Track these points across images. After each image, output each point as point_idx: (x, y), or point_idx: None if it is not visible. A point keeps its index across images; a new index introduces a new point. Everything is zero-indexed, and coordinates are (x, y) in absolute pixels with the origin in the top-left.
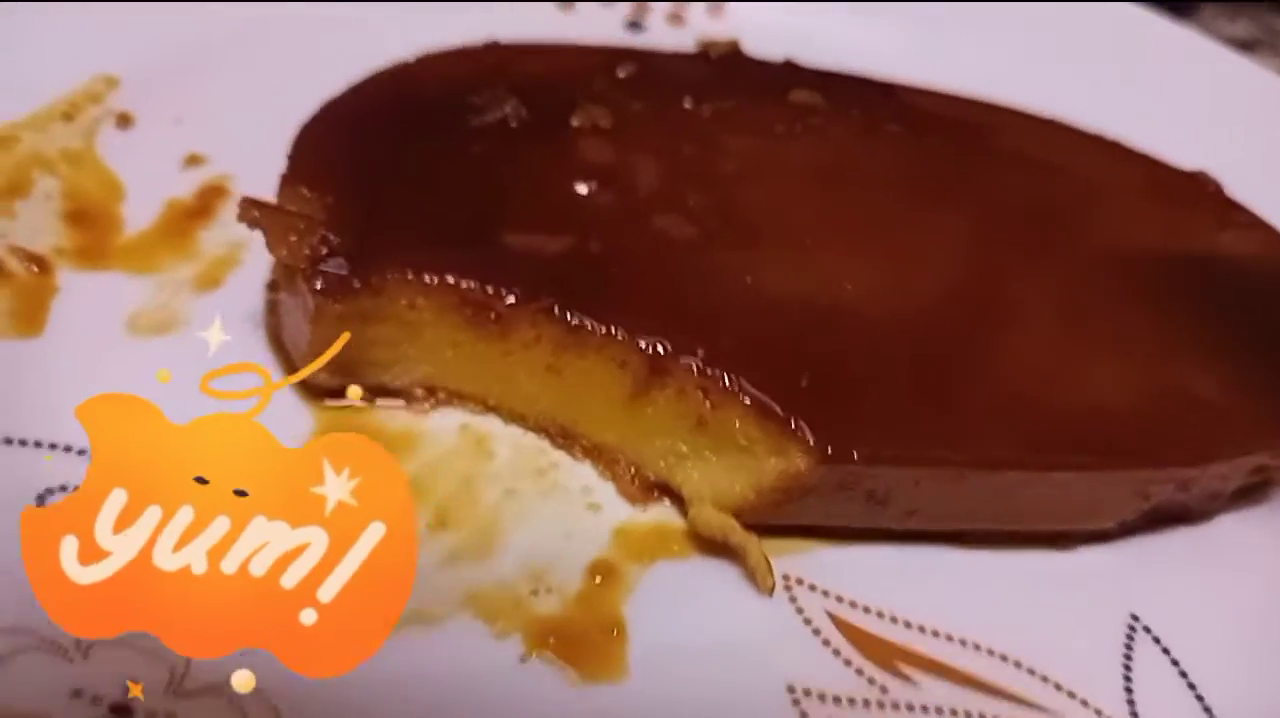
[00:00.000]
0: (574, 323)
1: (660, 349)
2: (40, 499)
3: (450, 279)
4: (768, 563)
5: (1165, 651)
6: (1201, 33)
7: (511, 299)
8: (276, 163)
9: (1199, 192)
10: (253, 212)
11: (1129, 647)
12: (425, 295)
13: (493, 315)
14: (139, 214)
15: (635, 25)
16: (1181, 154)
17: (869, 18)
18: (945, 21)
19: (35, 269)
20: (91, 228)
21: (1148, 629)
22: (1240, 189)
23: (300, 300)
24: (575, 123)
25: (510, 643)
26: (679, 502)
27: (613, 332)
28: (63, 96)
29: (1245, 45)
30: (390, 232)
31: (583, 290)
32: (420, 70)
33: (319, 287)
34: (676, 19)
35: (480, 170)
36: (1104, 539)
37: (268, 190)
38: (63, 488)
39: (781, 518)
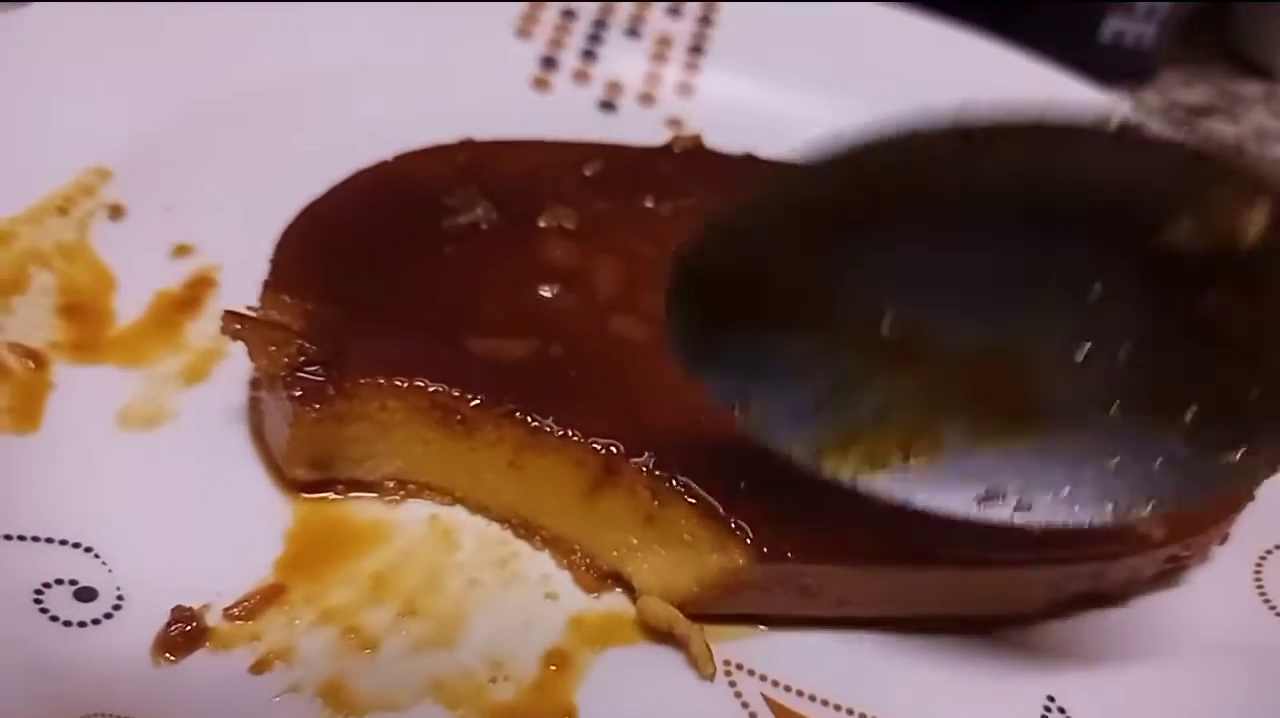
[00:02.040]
0: (534, 425)
1: (612, 451)
2: (38, 594)
3: (419, 384)
4: (708, 651)
5: None
6: (1160, 102)
7: (476, 403)
8: (264, 249)
9: None
10: (234, 325)
11: None
12: (397, 398)
13: (458, 417)
14: (130, 306)
15: (608, 105)
16: None
17: (838, 95)
18: (907, 101)
19: (32, 365)
20: (85, 321)
21: (1062, 710)
22: None
23: (279, 403)
24: (542, 224)
25: None
26: (630, 590)
27: (569, 434)
28: (58, 190)
29: (1201, 111)
30: (365, 336)
31: (542, 394)
32: (396, 171)
33: (297, 394)
34: (648, 99)
35: (451, 273)
36: (1023, 622)
37: (253, 279)
38: (58, 582)
39: (723, 608)
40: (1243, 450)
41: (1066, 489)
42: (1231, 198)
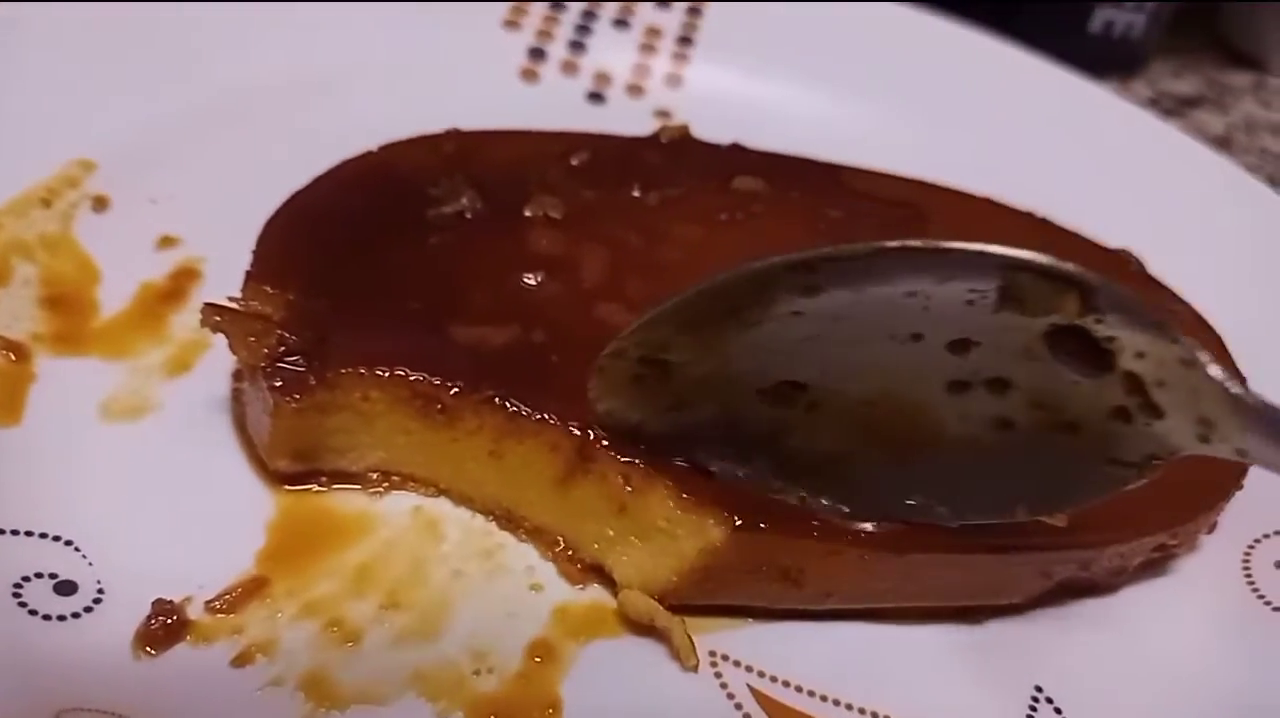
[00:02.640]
0: (512, 411)
1: (587, 434)
2: (17, 588)
3: (400, 373)
4: (691, 644)
5: None
6: (1144, 99)
7: (455, 391)
8: (248, 241)
9: (1121, 270)
10: (214, 317)
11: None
12: (378, 388)
13: (439, 406)
14: (114, 298)
15: (596, 97)
16: (1113, 228)
17: (827, 86)
18: (897, 93)
19: (13, 357)
20: (68, 313)
21: (1050, 701)
22: (1166, 264)
23: (260, 394)
24: (528, 213)
25: None
26: (612, 584)
27: (545, 418)
28: (41, 182)
29: (1190, 102)
30: (348, 326)
31: (523, 380)
32: (381, 160)
33: (277, 384)
34: (636, 90)
35: (435, 262)
36: (1012, 612)
37: (238, 271)
38: (38, 575)
39: (705, 598)
40: (1110, 461)
41: (975, 496)
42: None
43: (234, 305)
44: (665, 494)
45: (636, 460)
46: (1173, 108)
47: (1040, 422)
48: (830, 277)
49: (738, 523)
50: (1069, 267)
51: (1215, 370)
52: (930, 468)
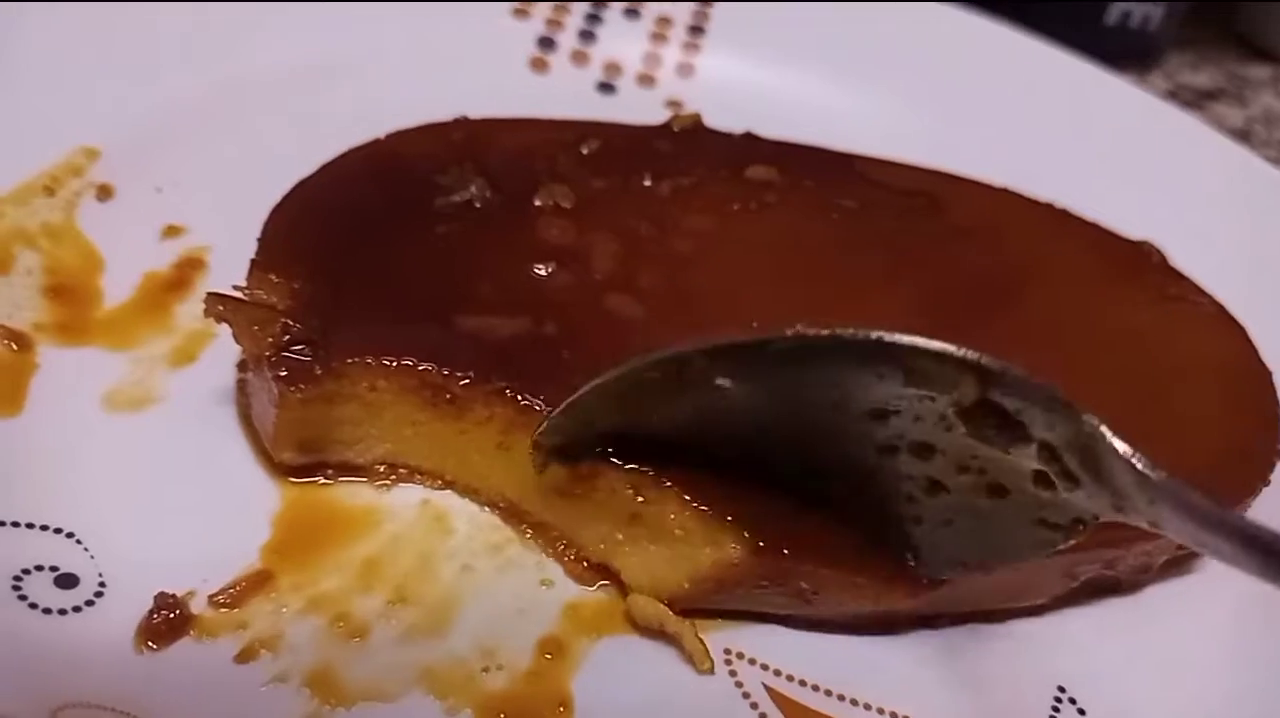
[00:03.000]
0: (523, 403)
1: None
2: (17, 580)
3: (408, 363)
4: (704, 648)
5: None
6: (1168, 85)
7: (465, 381)
8: (254, 231)
9: (1143, 262)
10: (218, 307)
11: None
12: (386, 378)
13: (448, 396)
14: (118, 287)
15: (607, 87)
16: (1135, 219)
17: (840, 76)
18: (912, 83)
19: (15, 347)
20: (71, 302)
21: (1073, 701)
22: (1189, 256)
23: (266, 384)
24: (538, 202)
25: None
26: (620, 584)
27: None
28: (44, 170)
29: (1209, 95)
30: (354, 315)
31: (534, 372)
32: (389, 149)
33: (282, 374)
34: (647, 79)
35: (444, 252)
36: (1035, 611)
37: (243, 261)
38: (39, 568)
39: (714, 605)
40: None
41: (928, 552)
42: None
43: (239, 295)
44: (684, 505)
45: (649, 470)
46: (1191, 100)
47: (969, 485)
48: (738, 364)
49: (760, 545)
50: (965, 353)
51: (1120, 446)
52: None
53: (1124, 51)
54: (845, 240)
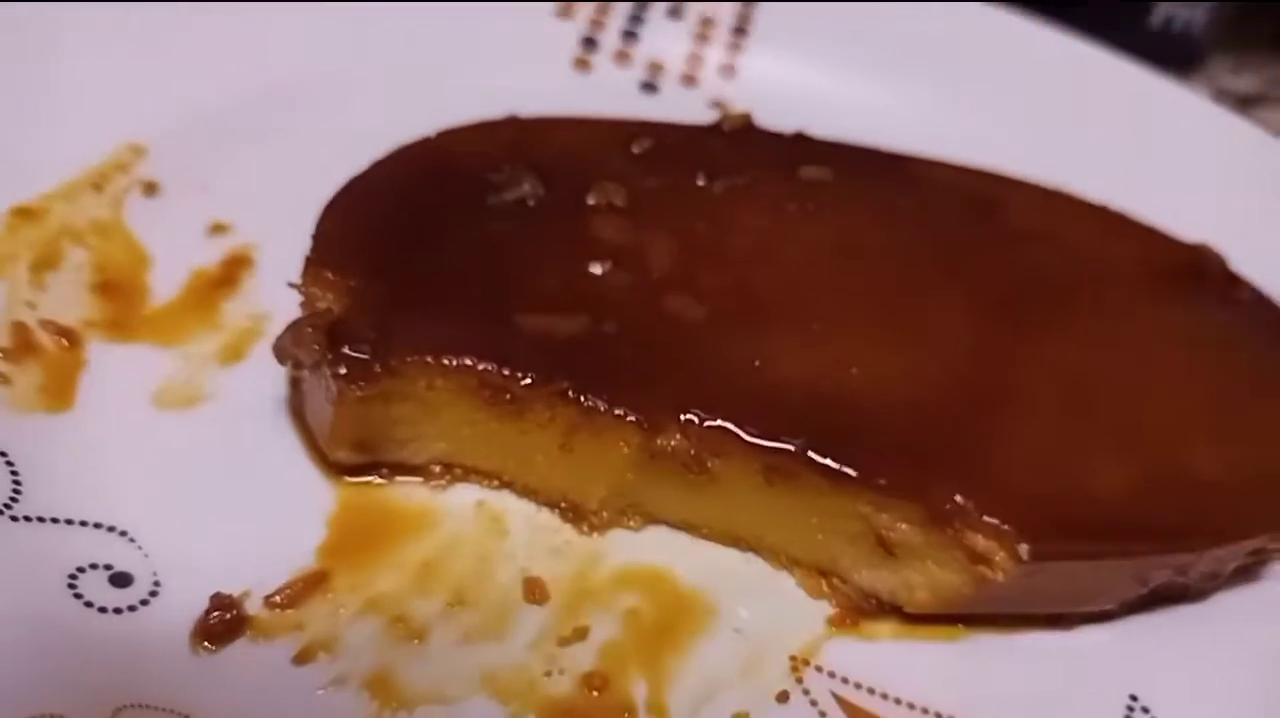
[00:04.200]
0: (588, 405)
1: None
2: (72, 579)
3: (468, 362)
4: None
5: None
6: (1208, 92)
7: (527, 382)
8: (301, 229)
9: (1202, 266)
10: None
11: None
12: (444, 377)
13: (508, 397)
14: (165, 284)
15: (649, 87)
16: (1187, 223)
17: (880, 80)
18: (956, 85)
19: (65, 343)
20: (119, 299)
21: (1146, 710)
22: (1245, 261)
23: (323, 382)
24: (591, 201)
25: None
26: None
27: (624, 414)
28: (92, 167)
29: (1251, 100)
30: (411, 313)
31: (595, 373)
32: (440, 147)
33: (341, 372)
34: (690, 80)
35: (498, 249)
36: (1104, 619)
37: (290, 259)
38: (93, 567)
39: None
40: None
41: None
42: None
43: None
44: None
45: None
46: (1233, 105)
47: None
48: None
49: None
50: None
51: None
52: None
53: (1167, 55)
54: (902, 242)
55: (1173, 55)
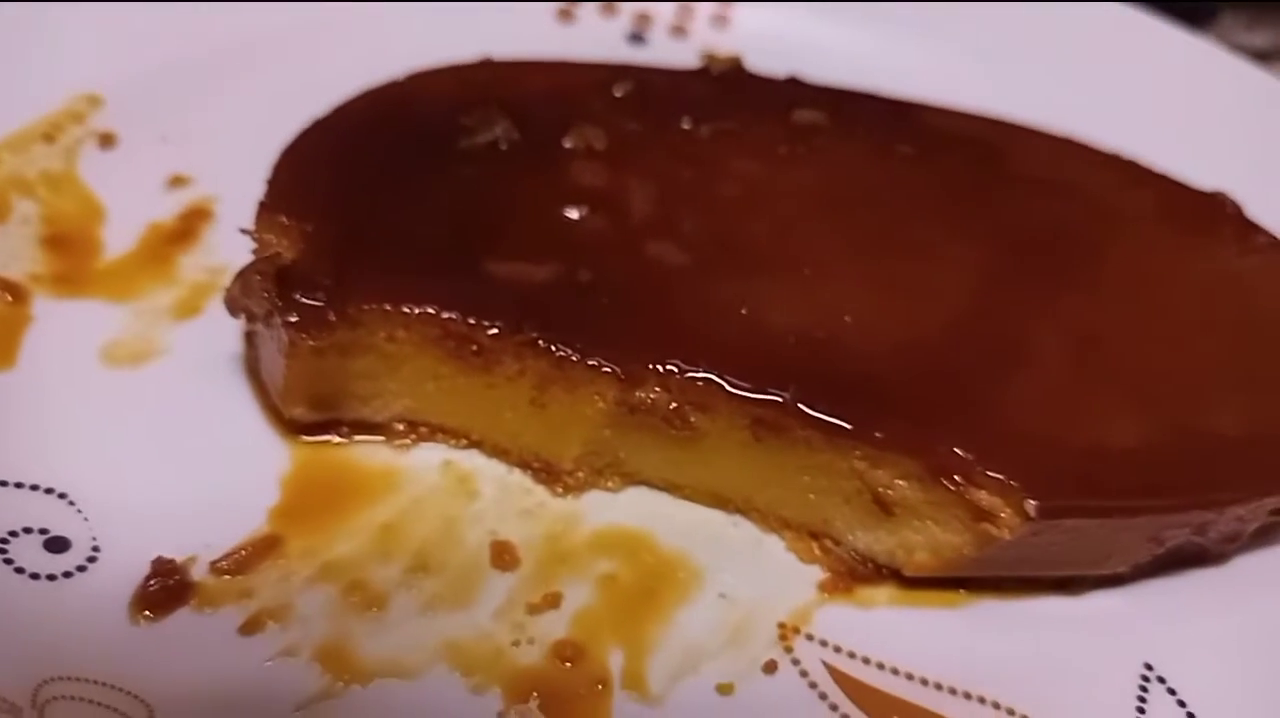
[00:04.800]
0: (559, 355)
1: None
2: (4, 543)
3: (431, 310)
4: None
5: (1181, 703)
6: (1220, 45)
7: (493, 331)
8: (263, 183)
9: (1218, 214)
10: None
11: (1142, 699)
12: (405, 327)
13: (474, 348)
14: (119, 238)
15: (637, 38)
16: (1199, 171)
17: (879, 30)
18: (959, 32)
19: (9, 298)
20: (70, 253)
21: (1162, 680)
22: (1261, 209)
23: (275, 333)
24: (569, 145)
25: (489, 698)
26: None
27: (599, 365)
28: (44, 116)
29: (1264, 55)
30: (372, 260)
31: (568, 321)
32: (409, 89)
33: (292, 320)
34: (679, 30)
35: (467, 195)
36: (1116, 583)
37: (252, 211)
38: (27, 530)
39: None
40: None
41: None
42: None
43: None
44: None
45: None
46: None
47: None
48: None
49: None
50: None
51: None
52: None
53: (1177, 11)
54: (902, 187)
55: (1184, 11)
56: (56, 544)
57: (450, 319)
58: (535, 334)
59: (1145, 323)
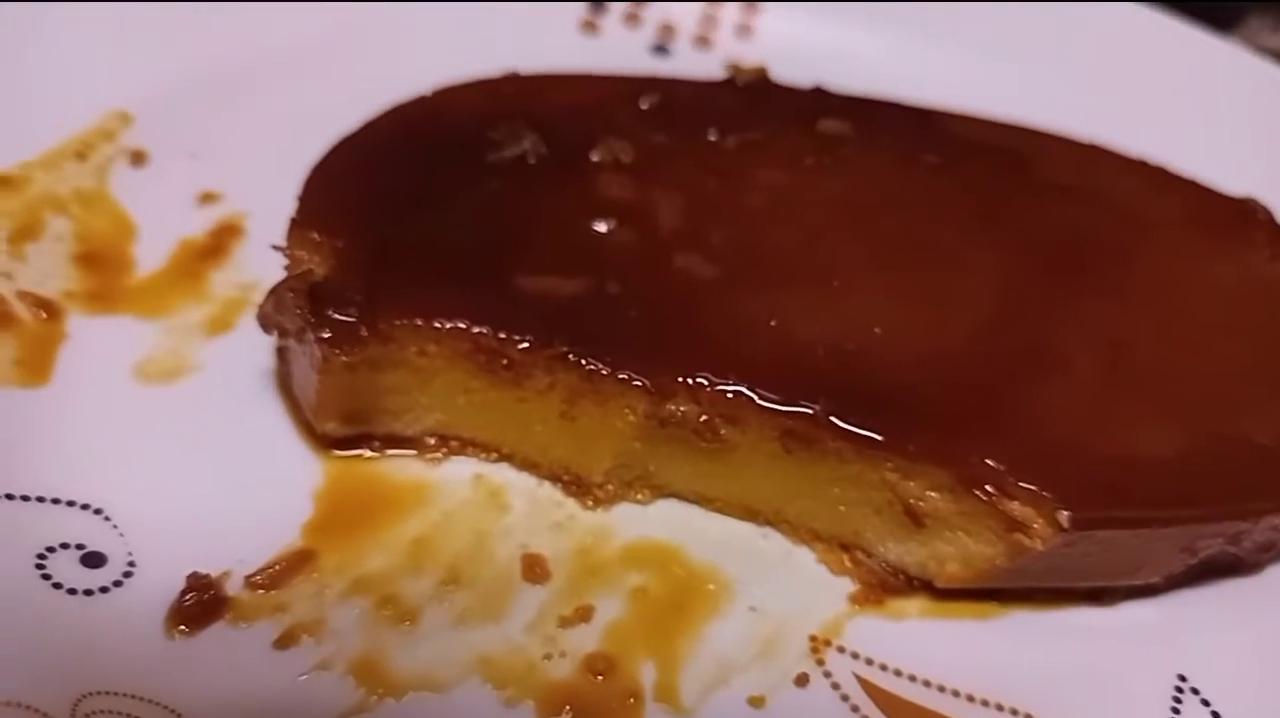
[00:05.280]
0: (588, 368)
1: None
2: (41, 558)
3: (462, 325)
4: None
5: (1215, 714)
6: (1247, 48)
7: (524, 345)
8: (293, 198)
9: (1248, 219)
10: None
11: (1176, 712)
12: (436, 342)
13: (505, 362)
14: (151, 254)
15: (661, 49)
16: (1228, 176)
17: (904, 37)
18: (984, 38)
19: (44, 315)
20: (102, 270)
21: (1196, 691)
22: None
23: (308, 349)
24: (596, 158)
25: (521, 711)
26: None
27: (629, 378)
28: (76, 134)
29: None
30: (401, 275)
31: (598, 335)
32: (436, 104)
33: (325, 336)
34: (704, 41)
35: (496, 209)
36: (1149, 593)
37: (283, 227)
38: (64, 546)
39: None
40: None
41: None
42: None
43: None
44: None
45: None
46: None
47: None
48: None
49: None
50: None
51: None
52: None
53: (1205, 13)
54: (930, 197)
55: (1209, 13)
56: (93, 560)
57: (481, 333)
58: (565, 348)
59: (1176, 330)
